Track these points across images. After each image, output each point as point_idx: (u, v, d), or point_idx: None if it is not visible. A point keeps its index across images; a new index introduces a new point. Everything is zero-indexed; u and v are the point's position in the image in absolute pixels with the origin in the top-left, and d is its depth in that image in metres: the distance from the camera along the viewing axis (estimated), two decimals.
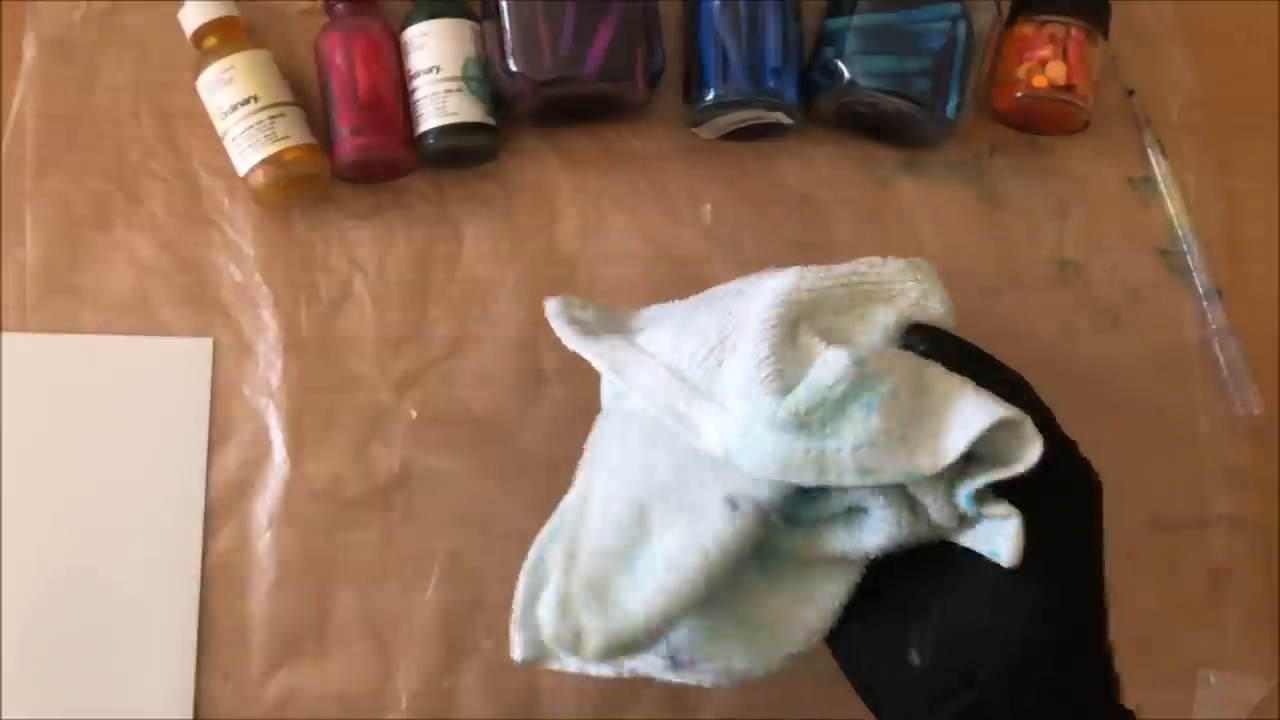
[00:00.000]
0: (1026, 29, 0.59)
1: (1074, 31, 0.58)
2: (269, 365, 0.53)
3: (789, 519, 0.38)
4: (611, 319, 0.45)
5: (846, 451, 0.34)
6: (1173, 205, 0.62)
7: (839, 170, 0.60)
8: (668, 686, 0.51)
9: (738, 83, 0.55)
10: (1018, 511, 0.35)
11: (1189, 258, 0.61)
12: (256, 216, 0.55)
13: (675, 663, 0.39)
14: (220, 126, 0.53)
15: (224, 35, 0.54)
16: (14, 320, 0.52)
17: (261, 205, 0.55)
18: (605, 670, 0.40)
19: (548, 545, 0.38)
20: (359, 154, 0.53)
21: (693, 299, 0.44)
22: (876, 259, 0.40)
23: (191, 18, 0.53)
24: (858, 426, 0.34)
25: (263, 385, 0.53)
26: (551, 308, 0.44)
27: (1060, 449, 0.36)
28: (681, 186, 0.58)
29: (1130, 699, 0.37)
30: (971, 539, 0.36)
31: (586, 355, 0.41)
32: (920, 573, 0.37)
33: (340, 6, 0.55)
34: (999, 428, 0.34)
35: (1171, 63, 0.65)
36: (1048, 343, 0.59)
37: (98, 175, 0.54)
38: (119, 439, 0.51)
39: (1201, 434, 0.59)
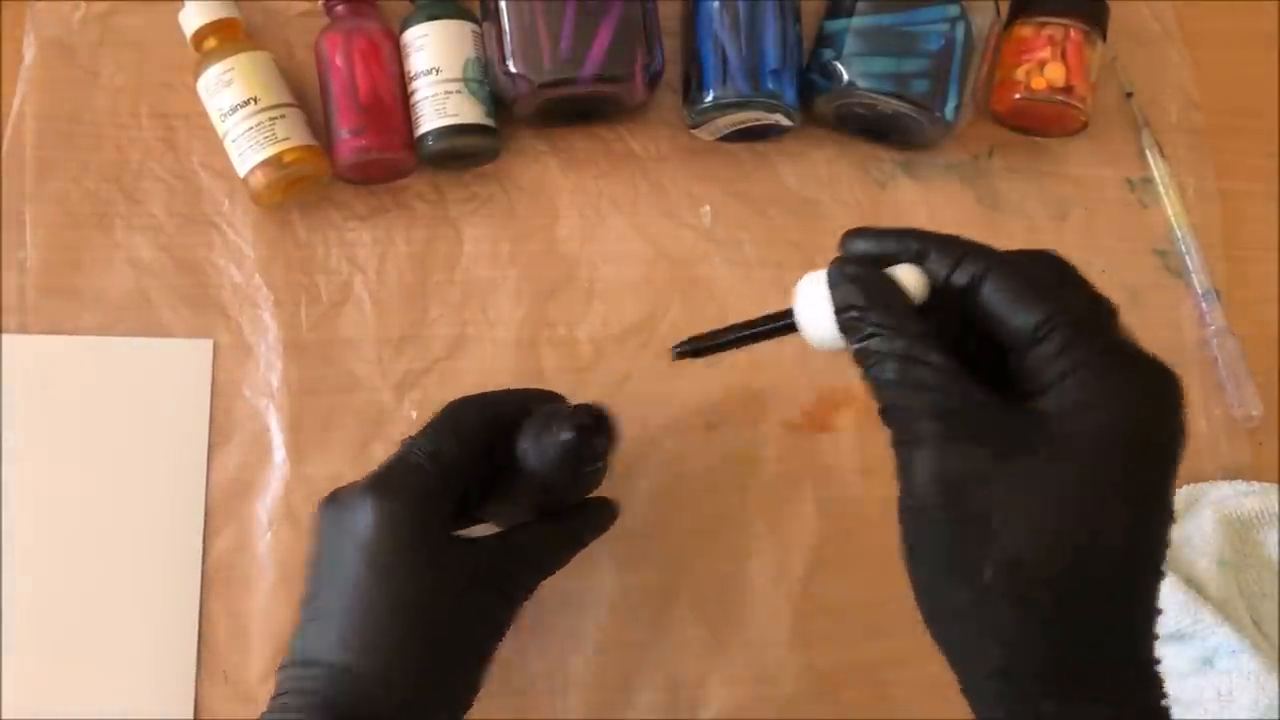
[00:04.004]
0: (1025, 30, 0.59)
1: (1072, 33, 0.58)
2: (269, 366, 0.53)
3: None
4: None
5: None
6: (1171, 206, 0.62)
7: (838, 171, 0.60)
8: (667, 687, 0.51)
9: (737, 84, 0.55)
10: None
11: (1187, 259, 0.61)
12: (256, 217, 0.55)
13: None
14: (220, 128, 0.53)
15: (224, 36, 0.54)
16: (14, 321, 0.52)
17: (261, 206, 0.55)
18: None
19: None
20: (359, 155, 0.53)
21: None
22: None
23: (191, 19, 0.53)
24: None
25: (263, 386, 0.53)
26: None
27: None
28: (681, 187, 0.58)
29: None
30: None
31: None
32: None
33: (340, 8, 0.55)
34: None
35: (1170, 64, 0.65)
36: None
37: (98, 176, 0.54)
38: (119, 440, 0.51)
39: (1200, 434, 0.59)
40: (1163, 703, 0.31)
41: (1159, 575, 0.31)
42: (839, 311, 0.33)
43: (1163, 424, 0.31)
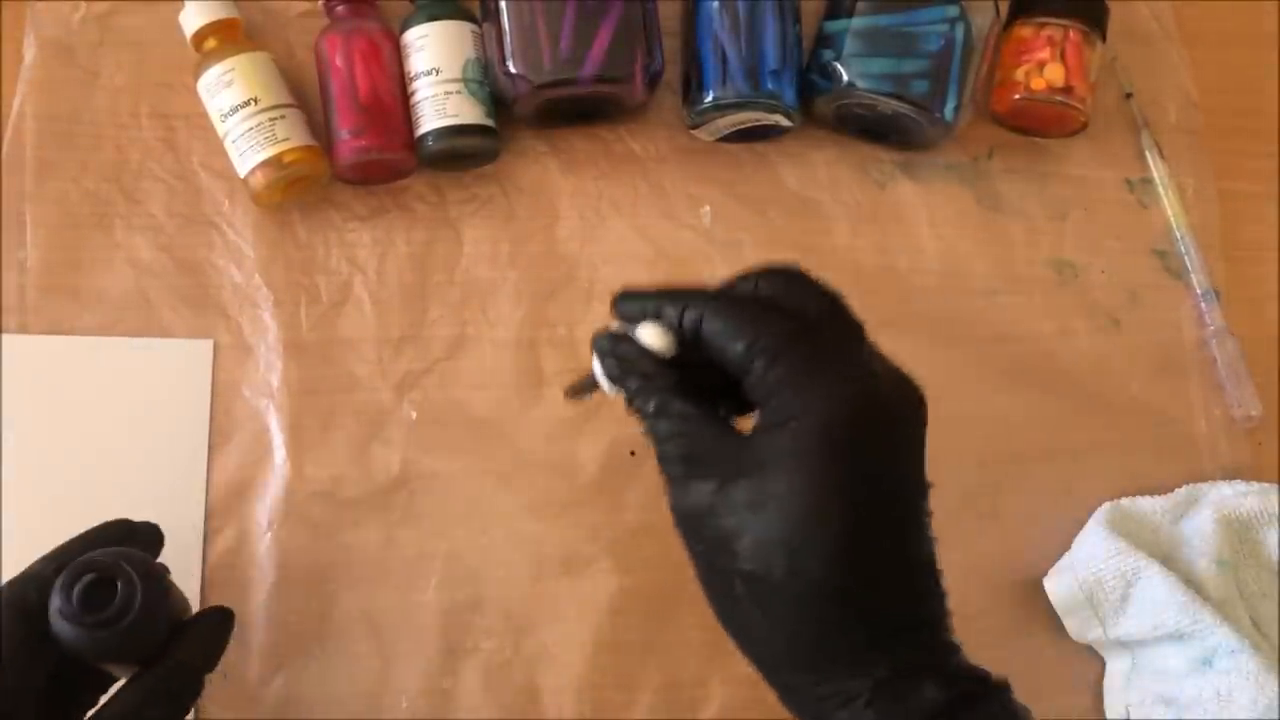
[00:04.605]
0: (1024, 31, 0.59)
1: (1072, 33, 0.58)
2: (269, 366, 0.53)
3: None
4: None
5: None
6: (1170, 207, 0.62)
7: (837, 172, 0.60)
8: (667, 687, 0.51)
9: (736, 85, 0.55)
10: None
11: (1186, 259, 0.61)
12: (256, 218, 0.55)
13: None
14: (220, 128, 0.53)
15: (224, 37, 0.54)
16: (14, 321, 0.52)
17: (261, 207, 0.55)
18: None
19: None
20: (359, 156, 0.53)
21: None
22: None
23: (192, 19, 0.53)
24: None
25: (263, 386, 0.53)
26: None
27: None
28: (681, 188, 0.58)
29: None
30: None
31: None
32: None
33: (340, 8, 0.55)
34: None
35: (1169, 65, 0.65)
36: (1046, 344, 0.59)
37: (98, 177, 0.54)
38: (119, 440, 0.51)
39: (1200, 435, 0.59)
40: (953, 660, 0.33)
41: (918, 545, 0.33)
42: (608, 378, 0.37)
43: (862, 419, 0.32)
